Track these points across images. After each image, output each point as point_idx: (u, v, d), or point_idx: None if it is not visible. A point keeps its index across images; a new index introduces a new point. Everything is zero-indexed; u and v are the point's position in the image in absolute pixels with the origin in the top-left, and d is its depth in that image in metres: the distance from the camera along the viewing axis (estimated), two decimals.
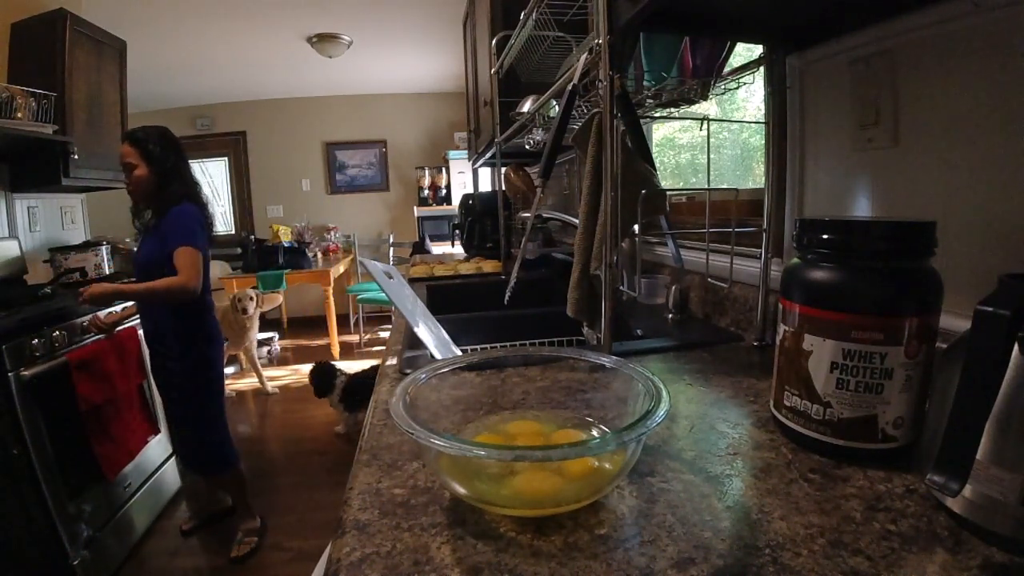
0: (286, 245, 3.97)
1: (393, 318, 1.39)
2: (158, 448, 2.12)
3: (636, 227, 0.88)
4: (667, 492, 0.47)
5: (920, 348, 0.47)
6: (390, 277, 0.94)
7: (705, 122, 0.91)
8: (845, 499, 0.45)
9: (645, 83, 1.02)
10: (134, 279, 1.75)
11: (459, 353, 0.94)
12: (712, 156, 0.91)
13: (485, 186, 3.22)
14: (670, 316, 1.12)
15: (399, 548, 0.41)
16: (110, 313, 1.87)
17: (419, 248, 3.93)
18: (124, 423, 1.86)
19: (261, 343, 4.19)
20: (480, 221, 2.30)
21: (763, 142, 0.90)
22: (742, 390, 0.71)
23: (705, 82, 0.96)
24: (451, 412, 0.58)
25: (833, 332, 0.49)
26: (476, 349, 1.30)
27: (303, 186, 5.26)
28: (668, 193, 1.10)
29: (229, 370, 3.70)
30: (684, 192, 1.45)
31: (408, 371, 0.81)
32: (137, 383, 1.97)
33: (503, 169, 2.15)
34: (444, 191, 5.06)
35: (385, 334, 4.68)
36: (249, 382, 3.63)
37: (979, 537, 0.39)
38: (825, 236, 0.51)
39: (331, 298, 3.93)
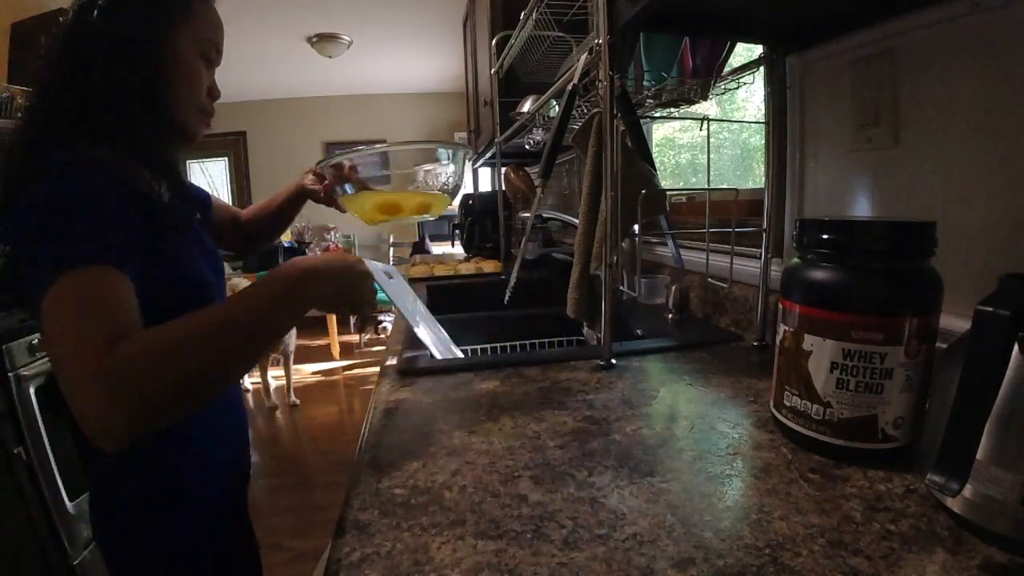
0: (286, 245, 3.98)
1: (393, 318, 1.39)
2: None
3: (636, 227, 0.88)
4: (667, 492, 0.47)
5: (920, 348, 0.47)
6: (390, 277, 0.94)
7: (705, 122, 0.91)
8: (845, 499, 0.45)
9: (645, 83, 1.02)
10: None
11: (459, 352, 0.95)
12: (712, 156, 0.91)
13: (485, 186, 3.22)
14: (670, 316, 1.12)
15: (399, 548, 0.41)
16: None
17: (419, 248, 3.93)
18: None
19: None
20: (480, 221, 2.29)
21: (763, 142, 0.90)
22: (742, 390, 0.71)
23: (705, 82, 0.96)
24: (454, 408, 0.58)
25: (833, 332, 0.49)
26: (476, 349, 1.31)
27: None
28: (668, 193, 1.10)
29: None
30: (684, 192, 1.45)
31: (408, 372, 0.81)
32: None
33: (503, 169, 2.15)
34: None
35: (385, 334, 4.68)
36: (252, 381, 3.60)
37: (979, 537, 0.39)
38: (825, 236, 0.51)
39: None
